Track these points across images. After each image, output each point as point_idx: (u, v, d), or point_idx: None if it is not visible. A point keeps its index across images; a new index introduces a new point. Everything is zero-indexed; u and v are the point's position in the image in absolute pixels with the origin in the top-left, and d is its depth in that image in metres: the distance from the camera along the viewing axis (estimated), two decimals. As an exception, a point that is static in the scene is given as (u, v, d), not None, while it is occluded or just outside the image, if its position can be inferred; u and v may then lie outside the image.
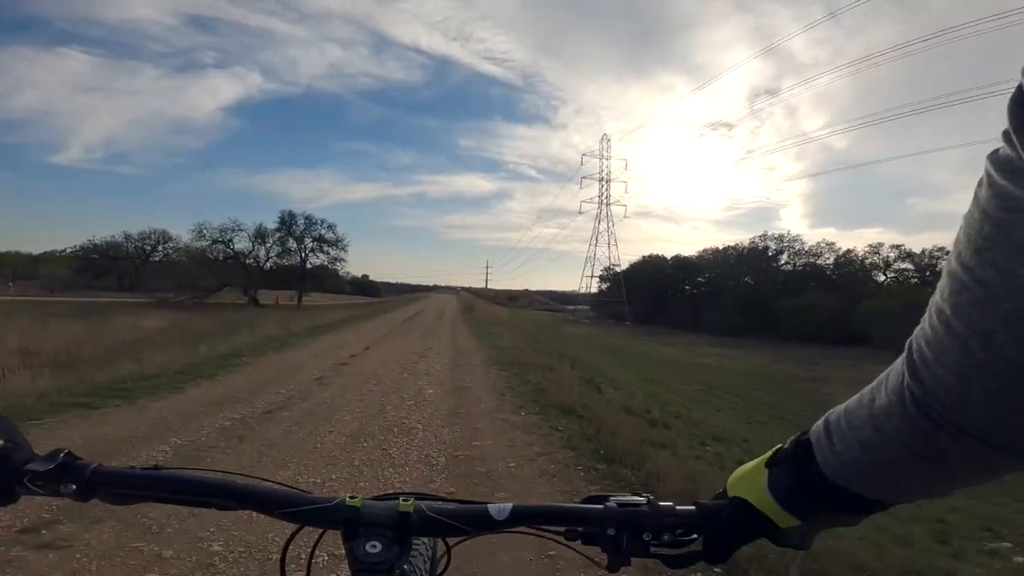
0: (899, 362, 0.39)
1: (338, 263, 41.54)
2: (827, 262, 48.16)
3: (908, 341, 0.37)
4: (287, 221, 39.81)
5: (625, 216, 77.69)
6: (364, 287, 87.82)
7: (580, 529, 0.51)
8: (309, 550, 0.61)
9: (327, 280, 42.70)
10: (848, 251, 47.65)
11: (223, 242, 37.13)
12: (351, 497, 0.50)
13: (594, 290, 68.91)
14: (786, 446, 0.49)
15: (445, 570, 0.65)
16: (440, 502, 0.52)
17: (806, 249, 50.14)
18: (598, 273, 67.75)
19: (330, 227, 40.43)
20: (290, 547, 0.57)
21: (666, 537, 0.50)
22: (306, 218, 40.10)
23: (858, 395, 0.43)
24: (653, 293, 56.40)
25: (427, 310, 34.06)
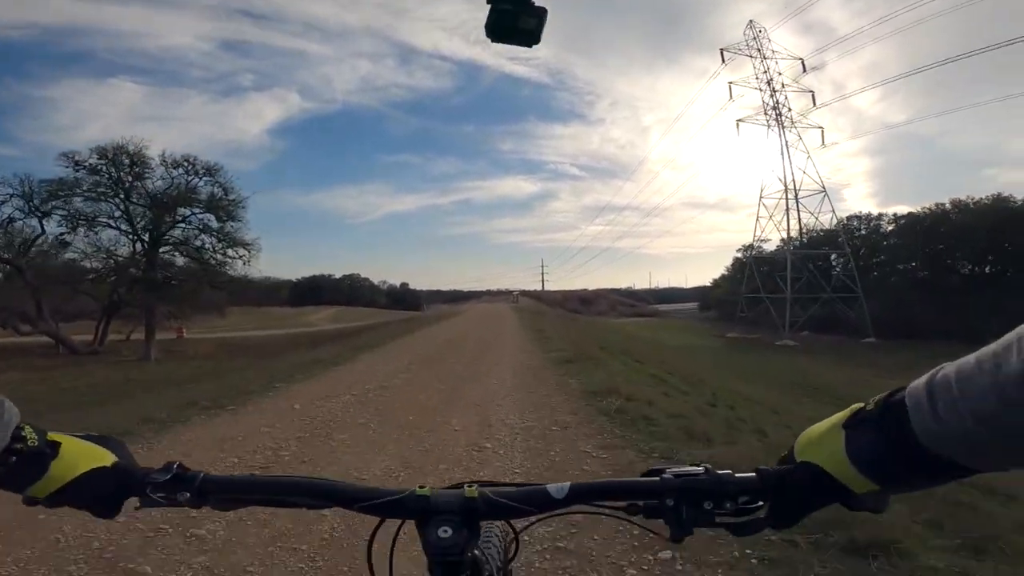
0: None
1: (236, 251, 18.94)
2: None
3: None
4: (107, 162, 17.53)
5: (823, 144, 38.55)
6: (402, 296, 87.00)
7: (640, 503, 0.53)
8: (390, 544, 0.63)
9: (212, 290, 20.09)
10: None
11: None
12: (420, 487, 0.54)
13: (706, 281, 44.44)
14: (870, 407, 0.44)
15: (515, 554, 0.73)
16: (503, 487, 0.56)
17: None
18: (734, 250, 45.29)
19: (208, 171, 18.63)
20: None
21: (728, 505, 0.50)
22: (158, 159, 18.22)
23: (974, 359, 0.37)
24: (917, 280, 28.32)
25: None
